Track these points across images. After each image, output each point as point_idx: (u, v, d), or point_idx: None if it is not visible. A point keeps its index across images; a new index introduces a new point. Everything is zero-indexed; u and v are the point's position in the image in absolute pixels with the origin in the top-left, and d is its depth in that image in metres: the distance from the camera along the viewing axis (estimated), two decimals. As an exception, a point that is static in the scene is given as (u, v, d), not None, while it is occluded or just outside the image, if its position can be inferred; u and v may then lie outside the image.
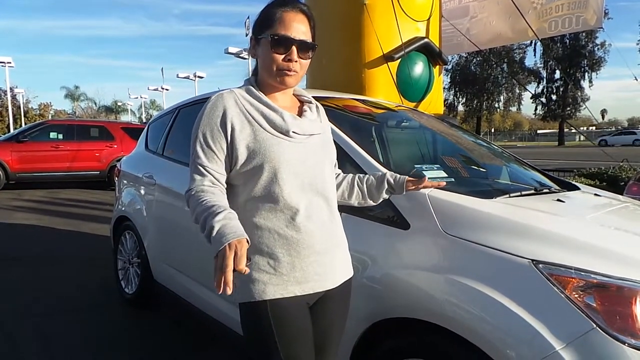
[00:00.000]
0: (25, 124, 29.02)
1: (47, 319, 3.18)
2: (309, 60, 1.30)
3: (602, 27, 6.62)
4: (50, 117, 39.77)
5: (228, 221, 1.10)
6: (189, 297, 2.68)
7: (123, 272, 3.57)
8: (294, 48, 1.25)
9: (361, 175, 1.59)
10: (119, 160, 4.04)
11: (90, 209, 7.80)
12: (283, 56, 1.25)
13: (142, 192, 3.28)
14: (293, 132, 1.27)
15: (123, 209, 3.52)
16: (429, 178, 1.81)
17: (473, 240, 1.50)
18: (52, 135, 10.32)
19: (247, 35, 19.02)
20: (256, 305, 1.24)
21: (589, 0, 6.09)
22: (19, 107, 36.56)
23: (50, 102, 49.18)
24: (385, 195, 1.57)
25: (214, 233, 1.07)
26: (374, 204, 1.59)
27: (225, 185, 1.27)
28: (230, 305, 2.14)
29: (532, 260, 1.37)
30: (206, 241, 1.11)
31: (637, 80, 7.75)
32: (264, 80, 1.32)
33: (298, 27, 1.26)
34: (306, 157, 1.28)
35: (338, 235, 1.37)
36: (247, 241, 1.07)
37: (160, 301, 3.28)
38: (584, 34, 38.36)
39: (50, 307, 3.40)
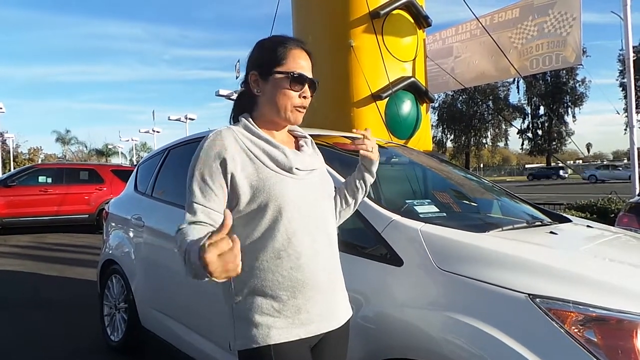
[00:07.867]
0: (15, 168, 28.85)
1: (28, 370, 3.03)
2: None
3: (581, 64, 6.86)
4: (40, 161, 39.64)
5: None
6: (179, 344, 2.58)
7: (109, 318, 3.45)
8: (306, 85, 1.26)
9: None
10: (107, 203, 3.99)
11: (77, 252, 7.63)
12: (298, 93, 1.25)
13: (131, 234, 3.22)
14: (296, 168, 1.23)
15: (110, 252, 3.44)
16: (420, 213, 1.80)
17: (468, 275, 1.47)
18: (41, 179, 10.18)
19: (237, 77, 19.29)
20: (259, 351, 1.17)
21: (567, 39, 6.33)
22: (9, 152, 36.47)
23: (40, 146, 49.22)
24: (359, 180, 1.52)
25: (185, 245, 1.01)
26: (359, 196, 1.51)
27: None
28: (225, 353, 2.05)
29: (529, 294, 1.34)
30: (186, 272, 1.01)
31: (619, 113, 7.96)
32: (265, 116, 1.28)
33: (307, 65, 1.28)
34: (308, 194, 1.24)
35: (338, 272, 1.32)
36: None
37: (148, 349, 3.15)
38: (564, 71, 39.73)
39: (32, 355, 3.24)
